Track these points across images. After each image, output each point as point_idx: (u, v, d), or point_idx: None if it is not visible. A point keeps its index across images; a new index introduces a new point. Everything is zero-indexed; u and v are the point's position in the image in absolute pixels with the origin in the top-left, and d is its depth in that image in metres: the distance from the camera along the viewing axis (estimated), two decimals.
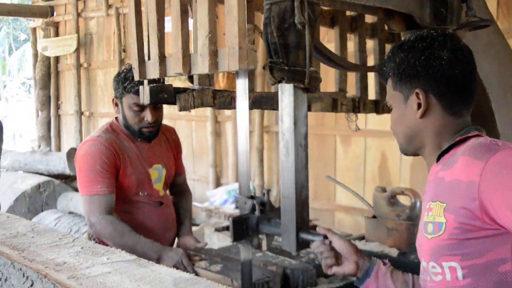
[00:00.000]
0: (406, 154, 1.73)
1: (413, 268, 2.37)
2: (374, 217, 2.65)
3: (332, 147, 6.05)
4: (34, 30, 10.42)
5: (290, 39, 1.77)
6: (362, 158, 5.75)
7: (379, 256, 2.51)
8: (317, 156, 6.17)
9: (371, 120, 5.61)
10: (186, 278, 1.55)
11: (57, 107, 10.18)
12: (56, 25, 9.93)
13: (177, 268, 2.30)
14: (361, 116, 5.62)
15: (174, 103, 2.31)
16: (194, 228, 5.60)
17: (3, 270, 1.73)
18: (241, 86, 2.30)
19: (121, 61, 8.63)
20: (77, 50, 9.35)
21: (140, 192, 2.65)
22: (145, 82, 2.24)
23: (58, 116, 10.20)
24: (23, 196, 6.97)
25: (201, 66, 1.78)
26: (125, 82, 2.54)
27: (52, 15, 9.95)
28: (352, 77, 3.06)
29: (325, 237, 1.83)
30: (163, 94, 2.26)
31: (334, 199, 6.10)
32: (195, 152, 7.84)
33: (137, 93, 2.40)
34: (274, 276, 2.38)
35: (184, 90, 2.33)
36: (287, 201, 1.84)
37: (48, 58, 10.02)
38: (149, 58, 2.13)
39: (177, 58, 1.90)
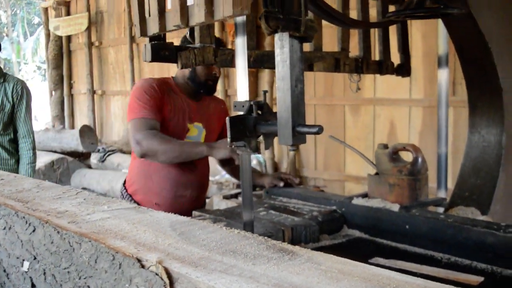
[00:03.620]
0: None
1: (414, 222, 2.39)
2: (376, 174, 2.66)
3: (341, 117, 6.05)
4: (46, 10, 10.47)
5: None
6: (371, 127, 5.74)
7: (382, 212, 2.53)
8: (326, 126, 6.10)
9: (380, 89, 5.59)
10: (183, 220, 1.58)
11: (70, 86, 10.26)
12: (67, 4, 9.98)
13: (231, 156, 2.56)
14: (369, 84, 5.65)
15: (176, 61, 2.34)
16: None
17: (7, 220, 1.77)
18: (240, 43, 2.33)
19: (132, 39, 8.67)
20: (88, 29, 9.41)
21: None
22: (147, 39, 2.27)
23: (71, 96, 10.28)
24: (37, 173, 7.05)
25: (197, 16, 1.80)
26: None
27: None
28: (355, 38, 3.06)
29: (321, 128, 1.79)
30: (165, 52, 2.29)
31: (344, 170, 6.11)
32: None
33: None
34: (276, 232, 2.41)
35: (186, 48, 2.35)
36: (283, 95, 1.84)
37: (60, 38, 10.09)
38: (149, 15, 2.15)
39: (175, 10, 1.92)
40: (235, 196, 5.20)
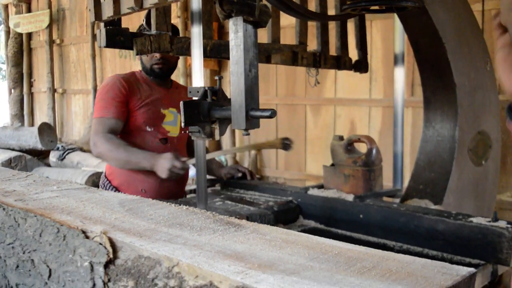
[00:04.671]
0: None
1: (368, 211, 2.42)
2: (332, 165, 2.69)
3: (303, 117, 6.09)
4: (6, 6, 10.27)
5: None
6: (332, 127, 5.79)
7: (336, 202, 2.55)
8: (287, 126, 6.21)
9: (340, 89, 5.65)
10: (132, 198, 1.57)
11: (30, 84, 10.08)
12: (28, 1, 9.79)
13: (172, 173, 2.63)
14: (330, 85, 5.70)
15: (131, 48, 2.32)
16: None
17: None
18: (196, 32, 2.32)
19: (94, 37, 8.55)
20: (49, 26, 9.25)
21: (147, 126, 2.89)
22: (101, 25, 2.25)
23: (31, 94, 10.10)
24: None
25: None
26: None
27: None
28: (314, 39, 3.08)
29: (274, 112, 1.78)
30: (120, 37, 2.27)
31: (305, 169, 6.15)
32: None
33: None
34: None
35: (141, 34, 2.34)
36: (236, 79, 1.84)
37: (21, 35, 9.90)
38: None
39: None
40: (194, 191, 5.17)
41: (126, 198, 1.56)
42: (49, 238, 1.27)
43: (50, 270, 1.22)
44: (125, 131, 2.90)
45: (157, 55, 2.87)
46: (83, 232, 1.21)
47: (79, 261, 1.16)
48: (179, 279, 1.00)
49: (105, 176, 3.03)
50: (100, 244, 1.15)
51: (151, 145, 2.89)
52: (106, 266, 1.11)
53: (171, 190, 2.93)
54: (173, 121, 2.98)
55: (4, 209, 1.48)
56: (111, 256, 1.11)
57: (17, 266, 1.33)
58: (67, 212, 1.38)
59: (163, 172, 2.66)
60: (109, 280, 1.09)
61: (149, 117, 2.89)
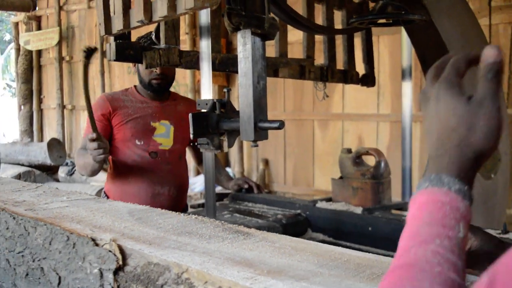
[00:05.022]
0: None
1: (376, 223, 2.42)
2: (341, 178, 2.69)
3: (310, 132, 6.10)
4: (16, 24, 10.39)
5: None
6: (340, 142, 5.80)
7: (345, 214, 2.55)
8: (295, 142, 6.22)
9: (348, 104, 5.67)
10: (141, 208, 1.58)
11: (40, 101, 10.16)
12: (38, 19, 9.91)
13: (92, 151, 2.58)
14: (338, 100, 5.72)
15: (140, 61, 2.34)
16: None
17: None
18: (205, 46, 2.35)
19: (103, 53, 8.62)
20: (59, 44, 9.34)
21: (136, 140, 2.91)
22: (111, 38, 2.27)
23: (40, 110, 10.17)
24: None
25: (160, 10, 1.81)
26: (141, 38, 2.71)
27: (34, 9, 9.94)
28: (321, 55, 3.10)
29: (282, 123, 1.78)
30: (129, 51, 2.29)
31: (313, 185, 6.14)
32: None
33: None
34: None
35: (150, 48, 2.36)
36: (245, 91, 1.85)
37: (30, 52, 10.00)
38: (114, 13, 2.16)
39: (139, 6, 1.93)
40: (202, 205, 5.17)
41: (135, 208, 1.57)
42: (58, 246, 1.28)
43: (59, 278, 1.23)
44: (115, 145, 2.95)
45: (157, 70, 2.88)
46: (93, 240, 1.21)
47: (89, 268, 1.16)
48: (188, 285, 1.00)
49: (104, 192, 3.07)
50: (110, 251, 1.15)
51: (141, 159, 2.91)
52: (116, 272, 1.11)
53: (164, 205, 2.90)
54: (165, 133, 3.00)
55: (14, 218, 1.49)
56: (121, 263, 1.12)
57: (27, 274, 1.34)
58: (77, 221, 1.39)
59: (90, 157, 2.68)
60: (118, 287, 1.10)
61: (137, 131, 2.92)
